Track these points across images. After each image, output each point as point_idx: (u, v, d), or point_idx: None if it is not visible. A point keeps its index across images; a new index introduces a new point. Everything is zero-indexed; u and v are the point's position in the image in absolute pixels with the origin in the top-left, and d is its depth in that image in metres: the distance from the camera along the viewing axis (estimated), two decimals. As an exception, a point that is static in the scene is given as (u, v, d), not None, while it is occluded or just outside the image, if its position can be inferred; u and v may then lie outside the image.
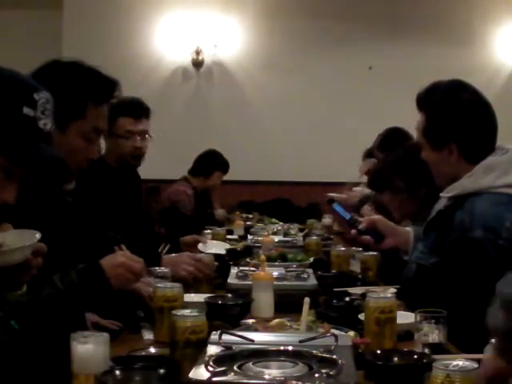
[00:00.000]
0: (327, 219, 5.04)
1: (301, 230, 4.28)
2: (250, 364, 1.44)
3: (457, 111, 2.26)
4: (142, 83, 6.59)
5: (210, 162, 5.38)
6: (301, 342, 1.55)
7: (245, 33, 7.22)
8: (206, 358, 1.42)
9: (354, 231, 2.69)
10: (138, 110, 3.32)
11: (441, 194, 2.33)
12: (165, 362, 1.51)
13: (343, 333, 1.78)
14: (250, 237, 3.87)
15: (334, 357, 1.43)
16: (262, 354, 1.50)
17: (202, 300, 2.10)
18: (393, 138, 4.04)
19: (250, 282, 2.28)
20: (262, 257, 2.38)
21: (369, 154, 4.71)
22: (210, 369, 1.37)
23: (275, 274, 2.37)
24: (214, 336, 1.58)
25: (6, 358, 1.46)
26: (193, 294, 2.28)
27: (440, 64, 6.45)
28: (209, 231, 3.89)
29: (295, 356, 1.49)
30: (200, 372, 1.38)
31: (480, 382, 1.28)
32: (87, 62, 2.06)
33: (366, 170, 4.57)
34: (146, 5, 7.13)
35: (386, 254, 2.79)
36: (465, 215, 2.15)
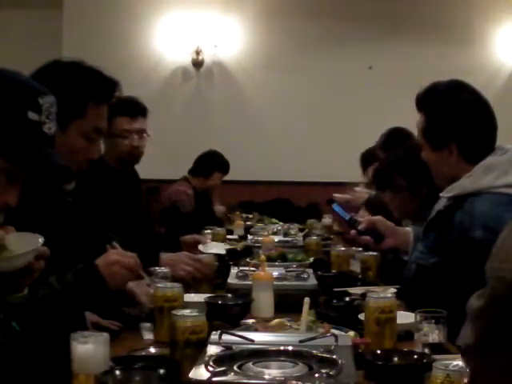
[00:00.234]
0: (327, 219, 5.05)
1: (301, 230, 4.28)
2: (250, 364, 1.44)
3: (456, 111, 2.26)
4: (142, 83, 6.59)
5: (211, 163, 5.38)
6: (301, 342, 1.55)
7: (245, 33, 7.22)
8: (206, 358, 1.42)
9: (353, 231, 2.69)
10: (134, 108, 3.32)
11: (440, 194, 2.33)
12: (165, 361, 1.51)
13: (343, 333, 1.78)
14: (250, 237, 3.87)
15: (334, 357, 1.43)
16: (262, 354, 1.50)
17: (202, 300, 2.10)
18: (396, 138, 4.03)
19: (250, 282, 2.28)
20: (262, 257, 2.38)
21: (367, 155, 4.71)
22: (210, 369, 1.37)
23: (275, 274, 2.37)
24: (214, 336, 1.58)
25: (6, 359, 1.46)
26: (193, 294, 2.28)
27: (440, 64, 6.45)
28: (209, 231, 3.89)
29: (295, 356, 1.49)
30: (200, 372, 1.38)
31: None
32: (87, 62, 2.06)
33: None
34: (146, 5, 7.13)
35: (386, 254, 2.79)
36: (464, 215, 2.15)
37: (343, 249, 3.07)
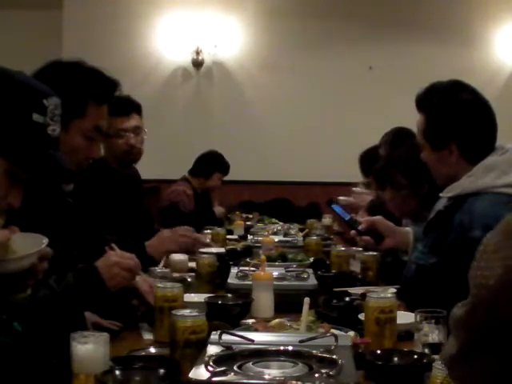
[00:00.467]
0: (327, 219, 5.05)
1: (301, 230, 4.27)
2: (250, 364, 1.44)
3: (456, 111, 2.26)
4: (142, 83, 6.60)
5: (211, 163, 5.38)
6: (301, 342, 1.55)
7: (245, 33, 7.22)
8: (206, 358, 1.42)
9: (353, 232, 2.69)
10: (127, 107, 3.30)
11: (440, 194, 2.33)
12: (165, 361, 1.52)
13: (343, 333, 1.78)
14: (250, 237, 3.87)
15: (334, 357, 1.43)
16: (262, 354, 1.50)
17: (202, 300, 2.10)
18: (403, 137, 4.02)
19: (250, 282, 2.28)
20: (262, 257, 2.38)
21: (367, 156, 4.69)
22: (210, 369, 1.37)
23: (275, 274, 2.37)
24: (214, 336, 1.58)
25: (6, 359, 1.46)
26: (193, 294, 2.28)
27: (440, 64, 6.46)
28: (209, 231, 3.89)
29: (295, 356, 1.49)
30: (200, 372, 1.37)
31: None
32: (87, 62, 2.06)
33: None
34: (146, 5, 7.13)
35: (385, 256, 2.79)
36: (464, 215, 2.15)
37: (343, 249, 3.07)
